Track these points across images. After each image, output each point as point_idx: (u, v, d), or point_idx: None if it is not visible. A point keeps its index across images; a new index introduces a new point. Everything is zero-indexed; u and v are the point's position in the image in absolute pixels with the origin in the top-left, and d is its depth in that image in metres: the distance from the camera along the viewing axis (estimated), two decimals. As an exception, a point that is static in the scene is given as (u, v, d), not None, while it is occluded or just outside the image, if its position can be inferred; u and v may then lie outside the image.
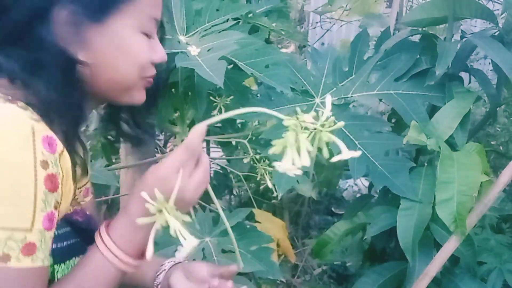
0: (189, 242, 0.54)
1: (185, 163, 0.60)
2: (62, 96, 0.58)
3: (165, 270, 0.79)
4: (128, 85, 0.66)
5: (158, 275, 0.79)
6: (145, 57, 0.66)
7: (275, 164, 0.51)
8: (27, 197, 0.52)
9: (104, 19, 0.61)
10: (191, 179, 0.60)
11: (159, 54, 0.69)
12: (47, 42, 0.57)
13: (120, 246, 0.60)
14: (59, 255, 0.62)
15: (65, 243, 0.63)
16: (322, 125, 0.51)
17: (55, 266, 0.61)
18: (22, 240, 0.51)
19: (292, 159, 0.51)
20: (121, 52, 0.63)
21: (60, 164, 0.56)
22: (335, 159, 0.51)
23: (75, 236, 0.66)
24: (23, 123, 0.52)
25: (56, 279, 0.61)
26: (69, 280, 0.60)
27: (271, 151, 0.52)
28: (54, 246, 0.59)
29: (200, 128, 0.60)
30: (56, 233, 0.60)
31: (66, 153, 0.58)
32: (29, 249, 0.52)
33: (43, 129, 0.54)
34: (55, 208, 0.55)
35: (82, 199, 0.80)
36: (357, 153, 0.50)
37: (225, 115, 0.59)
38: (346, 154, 0.51)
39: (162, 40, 0.75)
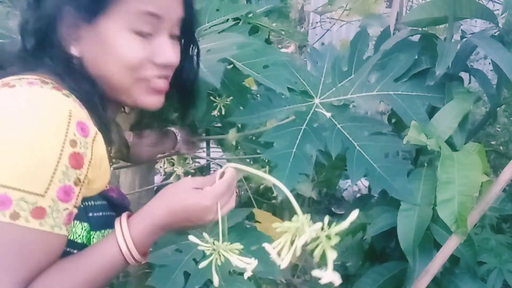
0: (252, 265, 0.62)
1: (222, 196, 0.69)
2: (79, 86, 0.64)
3: None
4: (120, 86, 0.68)
5: None
6: (136, 57, 0.66)
7: (265, 245, 0.52)
8: (48, 165, 0.56)
9: (94, 20, 0.64)
10: (223, 209, 0.70)
11: (164, 55, 0.68)
12: (55, 41, 0.64)
13: (136, 242, 0.65)
14: (95, 223, 0.66)
15: (100, 213, 0.68)
16: (328, 237, 0.49)
17: (92, 232, 0.66)
18: (33, 203, 0.55)
19: (280, 250, 0.51)
20: (108, 53, 0.65)
21: (93, 148, 0.61)
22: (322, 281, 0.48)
23: (110, 209, 0.70)
24: (63, 107, 0.59)
25: (91, 244, 0.66)
26: (77, 260, 0.63)
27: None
28: (90, 214, 0.65)
29: (236, 166, 0.69)
30: (93, 203, 0.66)
31: (100, 139, 0.63)
32: (38, 212, 0.56)
33: (79, 115, 0.60)
34: (75, 184, 0.59)
35: None
36: (337, 280, 0.47)
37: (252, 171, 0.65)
38: (327, 276, 0.47)
39: (189, 37, 0.76)
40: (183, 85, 0.80)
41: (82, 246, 0.64)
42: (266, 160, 1.73)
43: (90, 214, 0.66)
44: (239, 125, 1.69)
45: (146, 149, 1.00)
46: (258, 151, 1.51)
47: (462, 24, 1.42)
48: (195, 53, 0.80)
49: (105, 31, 0.64)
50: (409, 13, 1.39)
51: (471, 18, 1.19)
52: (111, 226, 0.68)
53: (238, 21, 1.28)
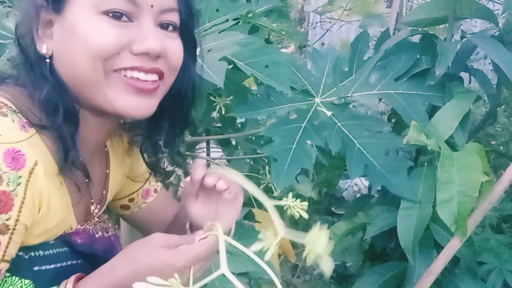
0: None
1: (199, 260, 0.56)
2: (42, 93, 0.54)
3: None
4: (91, 82, 0.55)
5: None
6: (105, 41, 0.54)
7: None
8: None
9: (63, 8, 0.56)
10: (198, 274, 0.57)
11: (143, 40, 0.55)
12: (23, 40, 0.58)
13: None
14: (44, 279, 0.55)
15: (53, 265, 0.57)
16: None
17: None
18: None
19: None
20: (75, 41, 0.54)
21: (28, 184, 0.50)
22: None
23: (73, 258, 0.60)
24: None
25: None
26: None
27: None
28: (36, 268, 0.55)
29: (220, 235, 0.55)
30: (41, 253, 0.55)
31: (39, 172, 0.51)
32: None
33: (10, 138, 0.49)
34: (1, 232, 0.48)
35: (143, 202, 0.81)
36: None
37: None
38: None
39: (188, 36, 0.64)
40: (181, 89, 0.67)
41: None
42: (266, 160, 1.73)
43: (36, 268, 0.54)
44: (239, 125, 1.69)
45: None
46: (258, 151, 1.51)
47: (462, 24, 1.42)
48: (194, 55, 0.68)
49: (72, 17, 0.55)
50: (409, 13, 1.39)
51: (471, 18, 1.19)
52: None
53: (238, 21, 1.28)
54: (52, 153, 0.55)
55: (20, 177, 0.49)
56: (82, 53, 0.54)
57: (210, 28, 1.18)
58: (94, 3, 0.54)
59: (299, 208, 0.58)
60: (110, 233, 0.70)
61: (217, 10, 1.22)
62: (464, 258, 1.16)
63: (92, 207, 0.68)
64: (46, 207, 0.53)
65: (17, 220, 0.49)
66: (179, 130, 0.71)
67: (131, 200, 0.81)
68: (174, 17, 0.60)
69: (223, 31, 1.16)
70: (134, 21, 0.56)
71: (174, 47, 0.60)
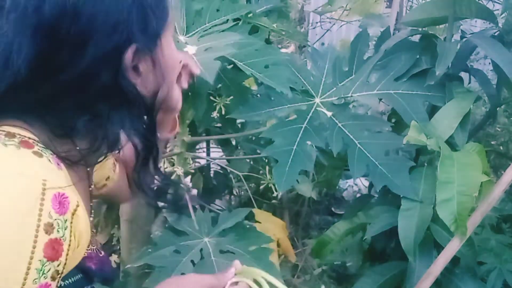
0: None
1: None
2: (144, 136, 0.56)
3: None
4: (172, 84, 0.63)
5: None
6: (179, 58, 0.64)
7: None
8: (17, 267, 0.44)
9: (156, 45, 0.55)
10: None
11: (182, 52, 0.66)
12: (127, 87, 0.53)
13: None
14: None
15: None
16: None
17: None
18: None
19: None
20: (165, 67, 0.57)
21: (72, 225, 0.49)
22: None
23: (87, 283, 0.60)
24: (33, 179, 0.46)
25: None
26: None
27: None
28: None
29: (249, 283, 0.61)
30: (62, 284, 0.55)
31: (81, 211, 0.50)
32: None
33: (56, 185, 0.48)
34: (53, 278, 0.47)
35: (114, 174, 0.80)
36: None
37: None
38: None
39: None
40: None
41: None
42: (266, 160, 1.73)
43: None
44: (239, 125, 1.70)
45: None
46: (258, 151, 1.51)
47: (462, 24, 1.42)
48: None
49: (163, 49, 0.57)
50: (409, 13, 1.39)
51: (471, 18, 1.19)
52: None
53: (238, 21, 1.28)
54: (76, 186, 0.54)
55: (66, 220, 0.48)
56: (170, 76, 0.59)
57: (210, 28, 1.18)
58: (171, 30, 0.58)
59: None
60: (100, 248, 0.69)
61: (217, 10, 1.22)
62: (464, 258, 1.16)
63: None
64: (83, 240, 0.53)
65: (65, 264, 0.49)
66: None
67: (107, 178, 0.80)
68: None
69: (223, 31, 1.16)
70: None
71: None
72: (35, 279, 0.45)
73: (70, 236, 0.49)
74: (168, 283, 0.60)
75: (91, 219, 0.67)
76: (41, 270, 0.45)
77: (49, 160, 0.49)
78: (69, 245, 0.49)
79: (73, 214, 0.49)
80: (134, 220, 1.51)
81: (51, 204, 0.46)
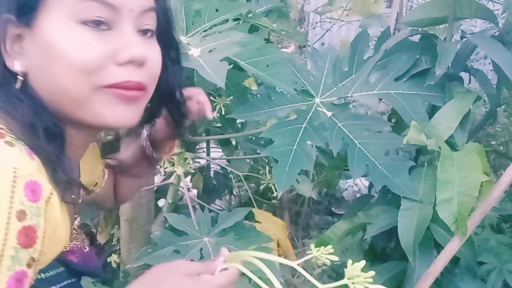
0: None
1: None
2: (22, 114, 0.51)
3: None
4: (75, 97, 0.53)
5: None
6: (91, 54, 0.51)
7: None
8: None
9: (34, 21, 0.52)
10: None
11: (127, 48, 0.53)
12: None
13: None
14: None
15: (58, 286, 0.57)
16: None
17: None
18: None
19: None
20: (54, 56, 0.51)
21: (46, 213, 0.49)
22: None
23: (70, 276, 0.60)
24: (4, 167, 0.46)
25: None
26: None
27: None
28: None
29: (240, 268, 0.59)
30: (42, 276, 0.54)
31: (55, 199, 0.50)
32: None
33: (27, 171, 0.47)
34: (29, 265, 0.47)
35: (103, 180, 0.81)
36: None
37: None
38: None
39: (167, 35, 0.62)
40: (167, 96, 0.67)
41: None
42: (266, 160, 1.73)
43: None
44: (239, 125, 1.70)
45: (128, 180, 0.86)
46: (258, 151, 1.52)
47: (462, 24, 1.42)
48: (176, 58, 0.67)
49: (47, 30, 0.51)
50: (409, 13, 1.39)
51: (471, 18, 1.19)
52: None
53: (238, 21, 1.28)
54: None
55: (39, 208, 0.48)
56: (64, 69, 0.51)
57: (210, 28, 1.18)
58: (71, 13, 0.51)
59: (326, 255, 0.56)
60: (86, 245, 0.69)
61: (217, 10, 1.22)
62: (464, 258, 1.16)
63: (76, 222, 0.67)
64: (59, 230, 0.53)
65: (40, 251, 0.49)
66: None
67: (95, 184, 0.80)
68: (151, 20, 0.58)
69: (224, 31, 1.16)
70: (113, 29, 0.53)
71: (154, 54, 0.58)
72: (9, 266, 0.45)
73: (45, 224, 0.49)
74: (157, 268, 0.59)
75: (77, 217, 0.68)
76: (15, 257, 0.46)
77: (21, 150, 0.49)
78: (44, 232, 0.49)
79: (46, 202, 0.49)
80: (134, 220, 1.51)
81: (23, 192, 0.46)
